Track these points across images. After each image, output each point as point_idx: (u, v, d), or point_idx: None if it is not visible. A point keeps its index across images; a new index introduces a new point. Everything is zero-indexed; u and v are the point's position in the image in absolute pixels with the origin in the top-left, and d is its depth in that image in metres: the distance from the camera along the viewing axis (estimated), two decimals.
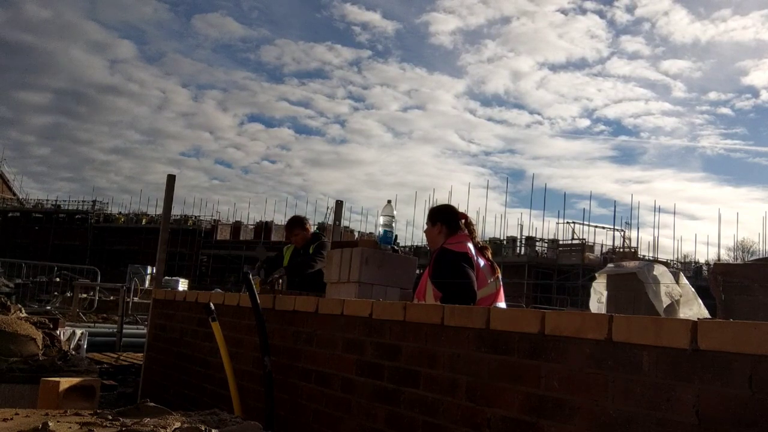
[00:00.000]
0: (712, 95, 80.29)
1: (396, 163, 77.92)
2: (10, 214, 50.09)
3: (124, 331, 9.25)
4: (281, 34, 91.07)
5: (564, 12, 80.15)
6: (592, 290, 9.06)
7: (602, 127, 78.15)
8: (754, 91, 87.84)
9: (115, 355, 7.92)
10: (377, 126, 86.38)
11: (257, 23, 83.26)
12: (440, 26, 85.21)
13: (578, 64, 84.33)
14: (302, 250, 5.59)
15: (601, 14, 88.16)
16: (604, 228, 36.92)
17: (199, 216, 47.87)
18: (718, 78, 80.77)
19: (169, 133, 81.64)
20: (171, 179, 5.63)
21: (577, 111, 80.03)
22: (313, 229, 5.92)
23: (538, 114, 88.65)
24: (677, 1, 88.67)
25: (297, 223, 5.77)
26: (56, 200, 51.79)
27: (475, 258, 3.26)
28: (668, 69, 79.68)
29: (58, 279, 17.43)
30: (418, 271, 4.12)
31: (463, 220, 3.49)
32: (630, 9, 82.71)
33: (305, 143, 78.71)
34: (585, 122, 76.67)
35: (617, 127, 76.29)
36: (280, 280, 5.18)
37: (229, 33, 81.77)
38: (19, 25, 77.85)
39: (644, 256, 33.66)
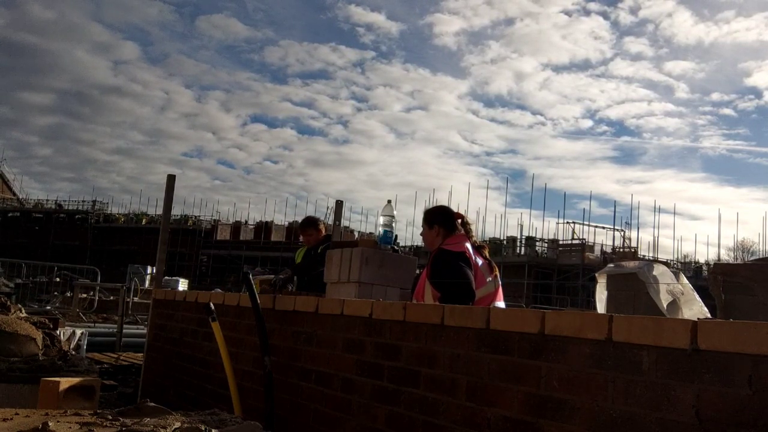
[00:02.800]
0: (715, 96, 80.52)
1: (397, 163, 78.00)
2: (10, 214, 50.08)
3: (124, 331, 9.24)
4: (285, 35, 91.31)
5: (568, 13, 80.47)
6: (597, 291, 9.05)
7: (604, 128, 78.18)
8: (757, 92, 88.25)
9: (115, 355, 7.91)
10: (380, 126, 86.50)
11: (261, 24, 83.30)
12: (444, 27, 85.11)
13: (581, 65, 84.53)
14: (313, 251, 5.62)
15: (605, 15, 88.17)
16: (604, 228, 36.94)
17: (200, 216, 47.92)
18: (721, 79, 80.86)
19: (171, 133, 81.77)
20: (171, 179, 5.63)
21: (579, 112, 79.96)
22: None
23: (541, 115, 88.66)
24: (681, 2, 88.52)
25: (310, 223, 5.81)
26: (56, 200, 51.86)
27: (473, 257, 3.26)
28: (671, 70, 79.73)
29: (58, 279, 17.43)
30: (416, 271, 4.12)
31: (459, 220, 3.48)
32: (634, 10, 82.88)
33: (307, 144, 78.83)
34: (587, 123, 76.67)
35: (619, 128, 76.30)
36: (290, 284, 5.18)
37: (234, 34, 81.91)
38: (23, 25, 77.97)
39: (644, 256, 33.66)
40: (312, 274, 5.23)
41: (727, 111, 73.94)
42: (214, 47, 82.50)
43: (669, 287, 8.19)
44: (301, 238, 5.87)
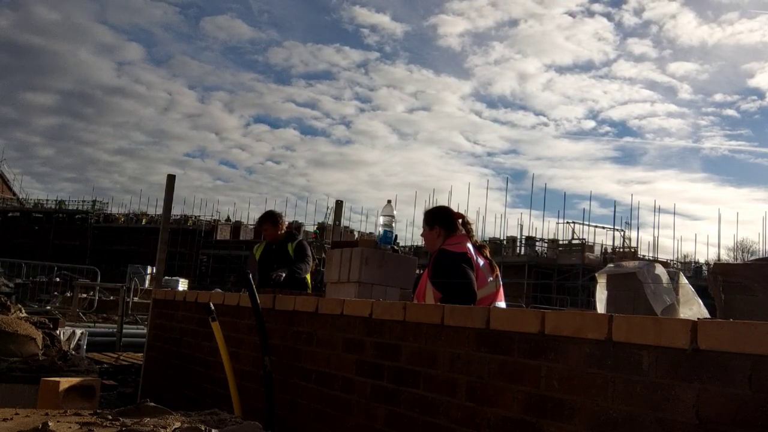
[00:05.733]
0: (718, 97, 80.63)
1: (399, 163, 78.15)
2: (10, 214, 50.10)
3: (124, 331, 9.25)
4: (290, 37, 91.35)
5: (572, 14, 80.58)
6: (597, 291, 9.05)
7: (607, 129, 78.37)
8: (760, 93, 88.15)
9: (115, 355, 7.92)
10: (382, 127, 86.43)
11: (266, 26, 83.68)
12: (448, 28, 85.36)
13: (585, 66, 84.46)
14: (275, 246, 5.63)
15: (609, 17, 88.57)
16: (604, 228, 36.96)
17: (200, 216, 47.93)
18: (723, 80, 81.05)
19: (174, 134, 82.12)
20: (171, 179, 5.63)
21: (582, 112, 79.95)
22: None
23: (544, 115, 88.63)
24: (685, 4, 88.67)
25: (267, 218, 5.85)
26: (56, 199, 51.86)
27: (475, 258, 3.26)
28: (675, 71, 79.74)
29: (58, 279, 17.43)
30: (417, 272, 4.12)
31: (460, 220, 3.48)
32: (638, 12, 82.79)
33: (310, 144, 79.02)
34: (590, 123, 76.82)
35: (622, 129, 76.50)
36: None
37: (238, 35, 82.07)
38: (27, 27, 78.21)
39: (644, 256, 33.66)
40: (295, 279, 5.24)
41: (730, 112, 74.26)
42: (219, 48, 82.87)
43: (665, 289, 8.19)
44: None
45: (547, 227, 63.06)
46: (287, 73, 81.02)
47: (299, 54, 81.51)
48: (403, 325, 2.64)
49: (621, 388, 1.82)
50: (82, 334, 7.12)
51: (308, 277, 5.64)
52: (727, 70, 79.17)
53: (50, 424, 1.83)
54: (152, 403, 2.18)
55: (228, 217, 48.30)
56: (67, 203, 50.82)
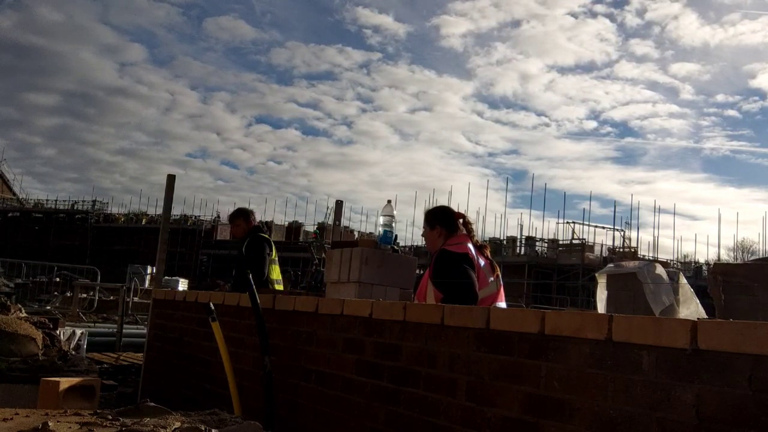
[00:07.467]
0: (720, 98, 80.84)
1: (400, 164, 78.29)
2: (10, 214, 50.13)
3: (124, 331, 9.25)
4: (292, 37, 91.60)
5: (574, 15, 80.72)
6: (597, 291, 9.05)
7: (608, 129, 78.52)
8: (761, 94, 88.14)
9: (115, 355, 7.91)
10: (384, 128, 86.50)
11: (268, 26, 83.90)
12: (451, 29, 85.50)
13: (587, 67, 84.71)
14: (241, 244, 5.59)
15: (612, 18, 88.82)
16: (604, 228, 36.96)
17: (200, 216, 47.94)
18: (725, 81, 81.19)
19: (175, 134, 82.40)
20: (171, 179, 5.63)
21: (584, 113, 79.94)
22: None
23: (545, 116, 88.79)
24: (687, 5, 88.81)
25: (235, 215, 5.74)
26: (56, 199, 51.89)
27: (476, 258, 3.25)
28: (677, 72, 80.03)
29: (58, 279, 17.43)
30: (418, 272, 4.12)
31: (460, 220, 3.47)
32: (640, 13, 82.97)
33: (312, 144, 79.24)
34: (591, 124, 76.93)
35: (623, 129, 76.65)
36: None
37: (240, 36, 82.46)
38: (30, 27, 78.49)
39: (644, 256, 33.66)
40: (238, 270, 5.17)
41: (731, 112, 74.55)
42: (221, 49, 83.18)
43: (665, 289, 8.20)
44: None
45: (547, 227, 63.06)
46: (289, 74, 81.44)
47: (301, 54, 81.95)
48: (403, 325, 2.64)
49: (621, 388, 1.82)
50: (82, 334, 7.13)
51: (273, 272, 5.40)
52: (728, 71, 79.41)
53: (50, 424, 1.83)
54: (152, 403, 2.18)
55: (218, 215, 48.22)
56: (66, 203, 50.80)
